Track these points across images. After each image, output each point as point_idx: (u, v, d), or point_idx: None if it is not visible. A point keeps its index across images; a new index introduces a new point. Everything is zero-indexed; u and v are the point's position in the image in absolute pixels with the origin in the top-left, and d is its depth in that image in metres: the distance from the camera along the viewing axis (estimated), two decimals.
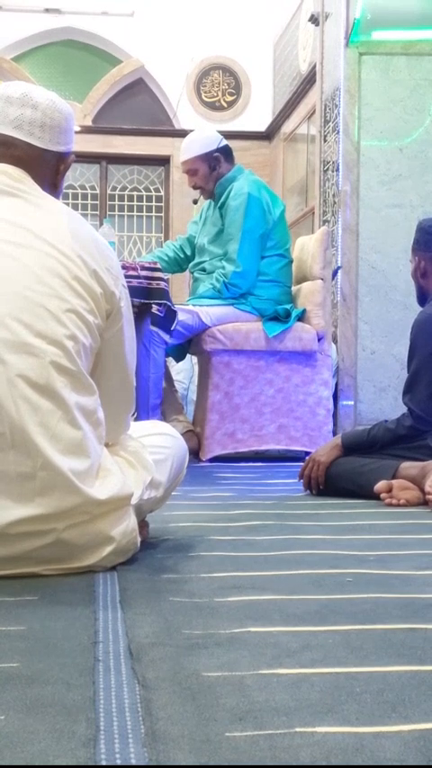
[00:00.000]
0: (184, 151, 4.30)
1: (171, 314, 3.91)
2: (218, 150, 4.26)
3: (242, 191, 4.14)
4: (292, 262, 4.31)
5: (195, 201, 4.54)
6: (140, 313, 3.84)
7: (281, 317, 4.13)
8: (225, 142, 4.32)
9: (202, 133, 4.45)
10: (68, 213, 1.71)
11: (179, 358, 4.50)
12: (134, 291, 3.69)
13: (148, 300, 3.84)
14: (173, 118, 8.14)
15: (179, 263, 4.55)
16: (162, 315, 3.88)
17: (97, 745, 0.86)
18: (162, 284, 3.90)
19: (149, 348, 3.91)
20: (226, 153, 4.29)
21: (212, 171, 4.25)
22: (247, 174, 4.31)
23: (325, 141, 5.76)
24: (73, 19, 7.95)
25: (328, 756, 0.84)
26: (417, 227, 3.07)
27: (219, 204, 4.28)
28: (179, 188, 8.04)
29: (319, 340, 4.18)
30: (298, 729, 0.90)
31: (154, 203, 8.39)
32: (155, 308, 3.87)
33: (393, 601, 1.47)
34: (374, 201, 5.35)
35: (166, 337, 3.94)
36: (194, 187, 4.34)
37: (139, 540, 1.74)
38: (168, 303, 3.88)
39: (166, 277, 3.99)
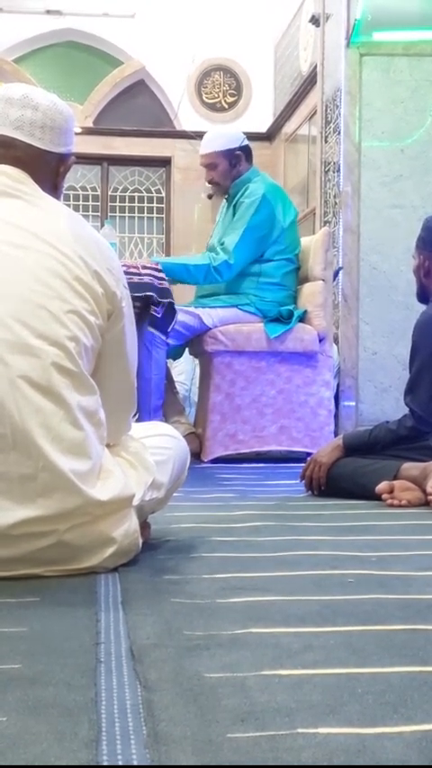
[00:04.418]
0: (206, 144, 4.30)
1: (169, 315, 3.91)
2: (240, 149, 4.27)
3: (258, 192, 4.15)
4: (299, 268, 4.31)
5: (210, 197, 4.54)
6: (141, 314, 3.85)
7: (283, 318, 4.13)
8: (247, 142, 4.34)
9: (227, 129, 4.47)
10: (69, 214, 1.71)
11: (176, 356, 4.51)
12: (142, 286, 3.73)
13: (153, 293, 3.84)
14: (174, 119, 8.14)
15: None
16: (159, 316, 3.88)
17: (99, 746, 0.86)
18: (164, 284, 3.92)
19: (151, 349, 3.92)
20: (247, 153, 4.31)
21: (232, 168, 4.26)
22: (264, 177, 4.32)
23: (326, 142, 5.76)
24: (74, 20, 7.95)
25: (330, 757, 0.84)
26: (423, 224, 3.06)
27: (232, 203, 4.28)
28: (180, 189, 8.04)
29: (320, 341, 4.18)
30: (300, 730, 0.90)
31: (155, 204, 8.39)
32: (152, 310, 3.87)
33: (395, 601, 1.47)
34: (375, 202, 5.35)
35: (163, 337, 3.94)
36: (210, 182, 4.33)
37: (140, 541, 1.74)
38: (171, 301, 3.89)
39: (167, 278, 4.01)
